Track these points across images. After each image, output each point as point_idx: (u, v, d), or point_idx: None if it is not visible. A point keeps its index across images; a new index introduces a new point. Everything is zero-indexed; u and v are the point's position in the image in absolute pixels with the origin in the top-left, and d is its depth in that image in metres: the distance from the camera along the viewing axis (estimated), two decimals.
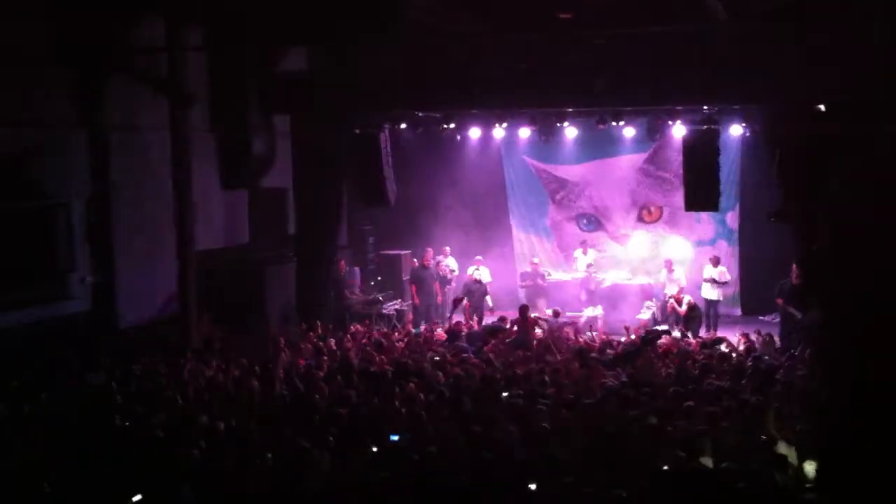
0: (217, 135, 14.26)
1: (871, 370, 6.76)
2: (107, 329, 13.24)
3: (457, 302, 16.54)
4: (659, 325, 16.56)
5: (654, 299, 17.68)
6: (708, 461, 7.98)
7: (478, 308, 17.23)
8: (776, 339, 14.45)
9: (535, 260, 18.95)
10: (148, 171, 13.98)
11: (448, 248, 18.75)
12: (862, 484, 6.67)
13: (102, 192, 13.36)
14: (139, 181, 13.87)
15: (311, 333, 14.16)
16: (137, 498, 7.33)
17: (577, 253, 18.91)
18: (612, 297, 17.68)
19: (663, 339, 13.95)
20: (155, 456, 8.19)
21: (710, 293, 17.22)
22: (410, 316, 17.73)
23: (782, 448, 8.28)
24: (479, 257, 18.08)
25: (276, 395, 10.47)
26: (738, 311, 18.59)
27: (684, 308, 16.14)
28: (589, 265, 18.27)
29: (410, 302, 18.14)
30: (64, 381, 10.91)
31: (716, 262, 17.36)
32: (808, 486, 7.66)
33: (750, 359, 12.24)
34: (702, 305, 16.91)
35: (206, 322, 14.00)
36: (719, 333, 15.48)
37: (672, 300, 16.49)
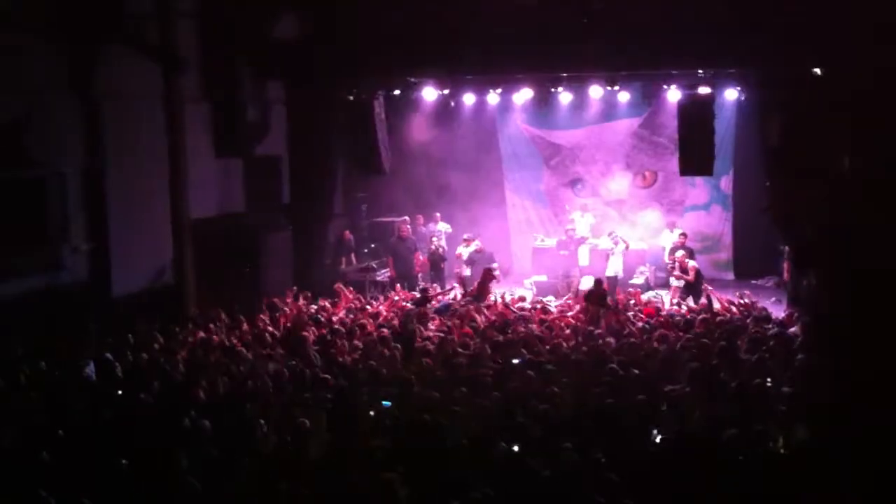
0: (210, 102, 14.14)
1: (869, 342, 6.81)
2: (100, 298, 13.20)
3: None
4: (652, 290, 16.62)
5: (647, 264, 17.68)
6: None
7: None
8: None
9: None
10: (141, 139, 13.86)
11: (438, 214, 18.71)
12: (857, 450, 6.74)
13: (96, 161, 13.24)
14: (133, 149, 13.75)
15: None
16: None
17: (576, 215, 18.57)
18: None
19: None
20: (151, 425, 8.24)
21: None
22: (398, 286, 17.59)
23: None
24: (466, 235, 17.62)
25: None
26: (731, 276, 18.62)
27: (691, 275, 15.87)
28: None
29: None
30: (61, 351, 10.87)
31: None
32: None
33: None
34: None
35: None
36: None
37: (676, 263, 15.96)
